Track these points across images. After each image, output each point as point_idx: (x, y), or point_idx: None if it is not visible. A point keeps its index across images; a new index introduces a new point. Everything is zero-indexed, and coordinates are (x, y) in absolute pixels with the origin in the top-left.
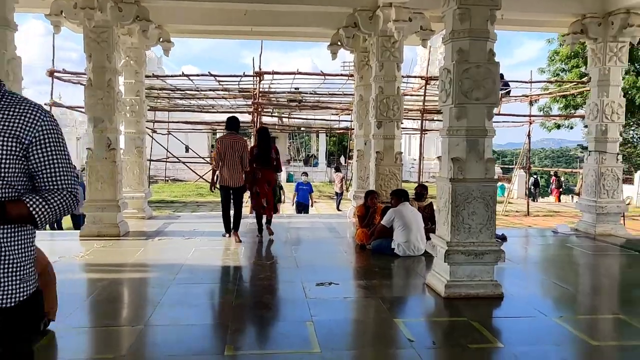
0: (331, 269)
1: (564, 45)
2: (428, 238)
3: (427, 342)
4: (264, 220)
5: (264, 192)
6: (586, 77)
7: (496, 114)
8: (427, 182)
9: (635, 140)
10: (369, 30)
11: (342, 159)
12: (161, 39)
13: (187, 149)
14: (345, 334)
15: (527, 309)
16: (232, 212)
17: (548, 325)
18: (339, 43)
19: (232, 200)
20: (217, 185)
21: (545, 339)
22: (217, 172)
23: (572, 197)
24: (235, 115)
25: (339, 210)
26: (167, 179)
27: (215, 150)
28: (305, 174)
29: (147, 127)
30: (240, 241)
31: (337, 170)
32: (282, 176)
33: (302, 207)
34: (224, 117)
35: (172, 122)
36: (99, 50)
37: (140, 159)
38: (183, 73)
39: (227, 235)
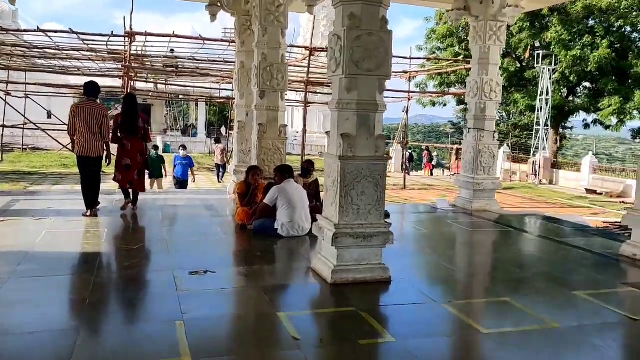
0: (208, 254)
1: (442, 23)
2: (313, 218)
3: (314, 339)
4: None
5: (135, 165)
6: (461, 57)
7: None
8: (309, 154)
9: (497, 118)
10: None
11: (222, 130)
12: None
13: (49, 114)
14: (221, 335)
15: (415, 294)
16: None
17: (438, 312)
18: (219, 4)
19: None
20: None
21: (436, 329)
22: (76, 140)
23: (443, 171)
24: (95, 80)
25: (220, 182)
26: (25, 147)
27: (69, 117)
28: (184, 147)
29: None
30: (96, 216)
31: (217, 141)
32: (159, 147)
33: (181, 183)
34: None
35: (31, 83)
36: None
37: None
38: (38, 28)
39: (89, 213)
